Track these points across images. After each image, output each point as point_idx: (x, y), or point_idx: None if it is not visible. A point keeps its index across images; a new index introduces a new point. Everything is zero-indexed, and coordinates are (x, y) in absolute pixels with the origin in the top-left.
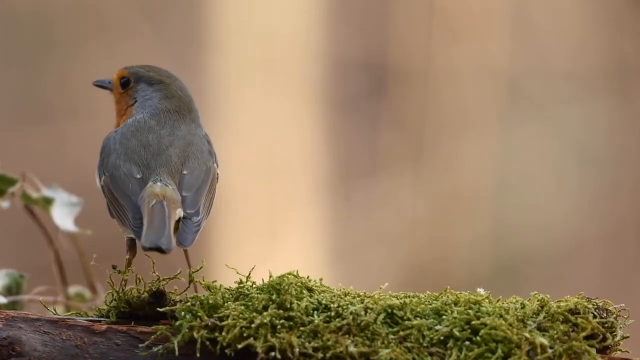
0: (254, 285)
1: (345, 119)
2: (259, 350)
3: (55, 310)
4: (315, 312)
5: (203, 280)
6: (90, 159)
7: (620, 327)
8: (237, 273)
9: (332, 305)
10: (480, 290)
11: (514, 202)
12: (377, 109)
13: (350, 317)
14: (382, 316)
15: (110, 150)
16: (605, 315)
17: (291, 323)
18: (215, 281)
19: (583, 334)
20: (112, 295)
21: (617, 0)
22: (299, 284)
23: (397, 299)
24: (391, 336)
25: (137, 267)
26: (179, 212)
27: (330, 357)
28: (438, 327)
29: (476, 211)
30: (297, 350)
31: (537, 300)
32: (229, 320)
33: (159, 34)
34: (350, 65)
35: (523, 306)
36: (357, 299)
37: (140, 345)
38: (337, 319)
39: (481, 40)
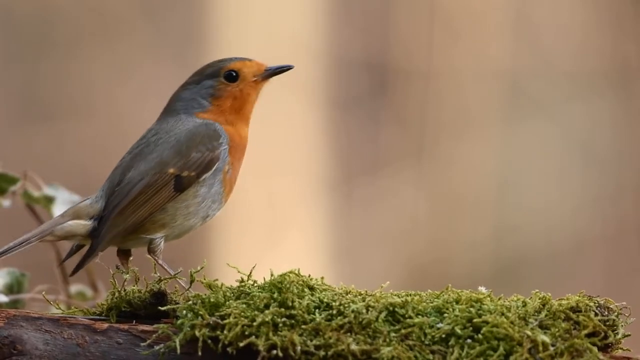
0: (255, 284)
1: (347, 118)
2: (260, 348)
3: (58, 305)
4: (317, 310)
5: (204, 279)
6: (90, 157)
7: (622, 325)
8: (239, 272)
9: (333, 303)
10: (482, 289)
11: (516, 201)
12: (379, 108)
13: (352, 315)
14: (383, 314)
15: None
16: (606, 313)
17: (293, 321)
18: (217, 280)
19: (584, 331)
20: (113, 294)
21: (618, 0)
22: (300, 282)
23: (399, 297)
24: (393, 334)
25: (138, 267)
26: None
27: (332, 355)
28: (440, 325)
29: (478, 210)
30: (298, 348)
31: (539, 299)
32: (231, 319)
33: (159, 33)
34: (352, 65)
35: (524, 304)
36: (359, 297)
37: (142, 344)
38: (339, 317)
39: (482, 39)
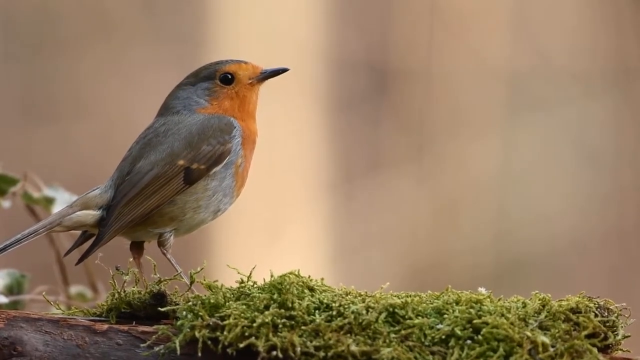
0: (255, 285)
1: (346, 118)
2: (260, 349)
3: (58, 306)
4: (317, 311)
5: (204, 280)
6: (90, 158)
7: (622, 326)
8: (239, 273)
9: (333, 304)
10: (482, 290)
11: (517, 201)
12: (379, 108)
13: (352, 316)
14: (383, 315)
15: None
16: (606, 314)
17: (293, 322)
18: (217, 281)
19: (584, 332)
20: (113, 295)
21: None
22: (300, 283)
23: (399, 298)
24: (393, 335)
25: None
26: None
27: (331, 356)
28: (440, 326)
29: (478, 210)
30: (298, 349)
31: (539, 300)
32: (231, 320)
33: (159, 33)
34: (352, 65)
35: (524, 305)
36: (359, 298)
37: (142, 345)
38: (339, 318)
39: (482, 39)
